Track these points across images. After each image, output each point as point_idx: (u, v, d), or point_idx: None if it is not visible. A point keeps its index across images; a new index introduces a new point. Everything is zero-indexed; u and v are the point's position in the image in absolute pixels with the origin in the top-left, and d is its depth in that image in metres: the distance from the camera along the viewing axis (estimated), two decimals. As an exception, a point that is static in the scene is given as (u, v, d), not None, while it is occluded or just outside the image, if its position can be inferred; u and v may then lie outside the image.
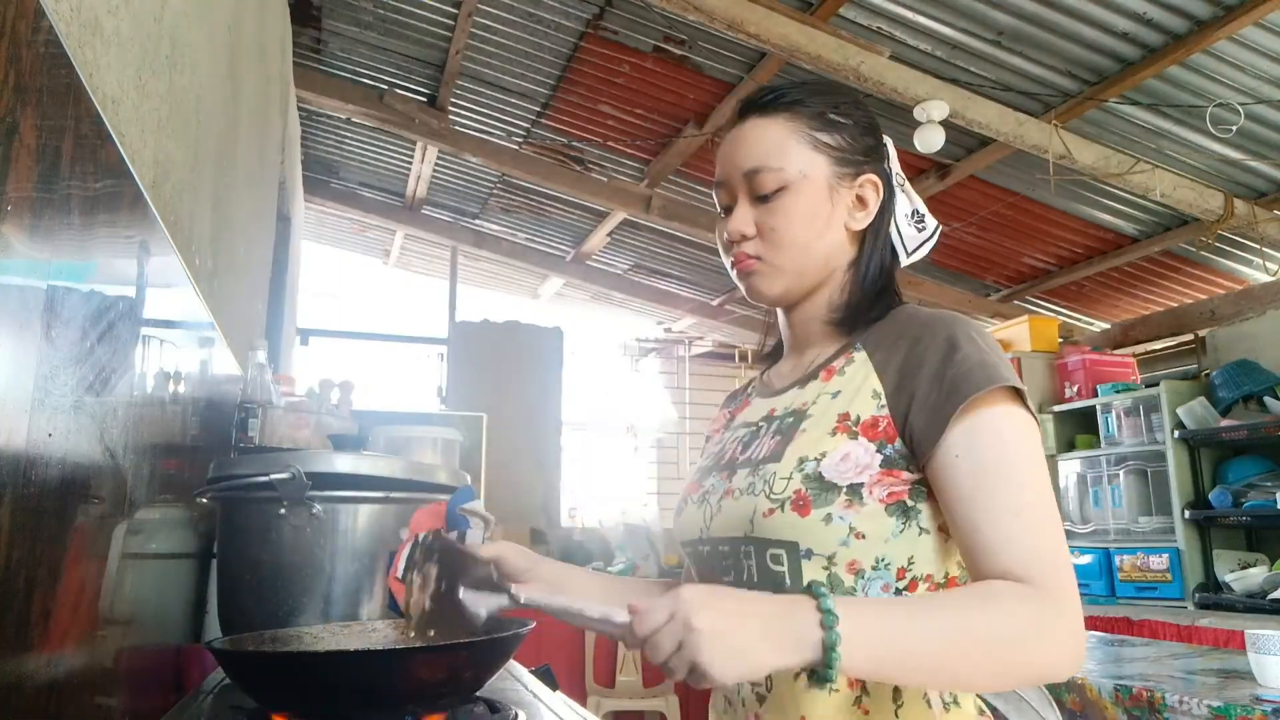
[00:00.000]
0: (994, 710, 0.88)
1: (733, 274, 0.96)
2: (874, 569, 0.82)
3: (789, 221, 0.90)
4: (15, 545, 0.60)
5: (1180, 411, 3.85)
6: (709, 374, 6.76)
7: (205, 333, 1.37)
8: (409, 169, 5.05)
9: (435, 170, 5.01)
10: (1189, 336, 4.65)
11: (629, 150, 4.48)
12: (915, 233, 0.98)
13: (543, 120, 4.34)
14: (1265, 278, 4.30)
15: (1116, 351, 4.80)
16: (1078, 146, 3.53)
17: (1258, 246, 4.11)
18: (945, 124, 3.32)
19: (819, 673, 0.68)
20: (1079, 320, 5.43)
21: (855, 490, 0.81)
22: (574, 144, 4.49)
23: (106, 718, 0.84)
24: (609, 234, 5.38)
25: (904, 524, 0.82)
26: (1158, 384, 3.99)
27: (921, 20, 3.16)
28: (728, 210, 0.95)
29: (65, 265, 0.69)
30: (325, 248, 6.35)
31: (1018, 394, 0.81)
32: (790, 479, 0.83)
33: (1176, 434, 3.82)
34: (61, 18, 0.67)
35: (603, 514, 5.56)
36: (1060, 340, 4.77)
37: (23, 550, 0.61)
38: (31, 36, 0.59)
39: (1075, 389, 4.36)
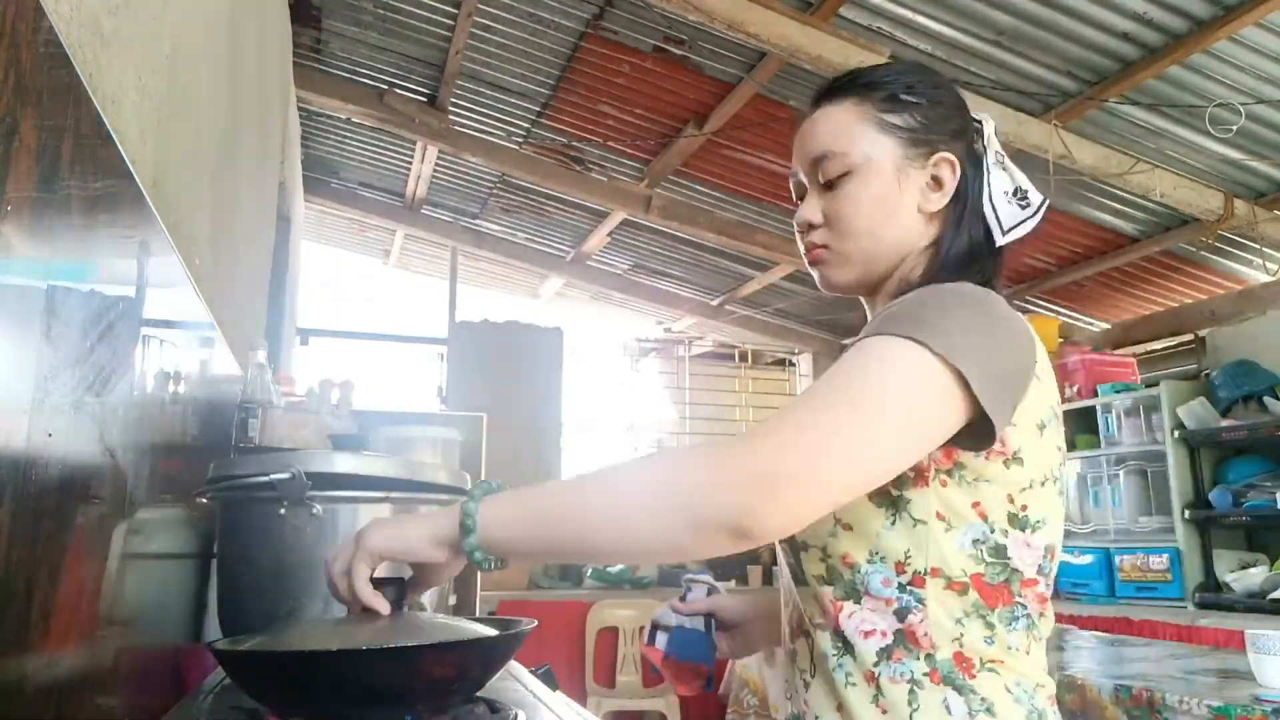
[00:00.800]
0: None
1: (806, 261, 0.95)
2: (869, 562, 0.80)
3: (855, 208, 0.88)
4: (15, 545, 0.60)
5: (1180, 411, 3.85)
6: (709, 374, 6.76)
7: (205, 333, 1.37)
8: (409, 169, 5.05)
9: (435, 170, 5.01)
10: (1189, 336, 4.65)
11: (629, 150, 4.48)
12: (1017, 210, 0.90)
13: (543, 120, 4.34)
14: (1265, 278, 4.30)
15: (1116, 351, 4.80)
16: (1078, 146, 3.53)
17: (1258, 246, 4.11)
18: (945, 124, 3.31)
19: (463, 550, 0.77)
20: (1079, 320, 5.43)
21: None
22: (574, 144, 4.49)
23: (106, 718, 0.84)
24: (609, 234, 5.38)
25: (894, 515, 0.79)
26: (1158, 384, 3.99)
27: (921, 20, 3.16)
28: (800, 199, 0.94)
29: (65, 265, 0.69)
30: (325, 248, 6.35)
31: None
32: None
33: (1176, 434, 3.82)
34: (61, 18, 0.67)
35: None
36: (1060, 340, 4.77)
37: (23, 550, 0.61)
38: (31, 36, 0.59)
39: (1075, 389, 4.35)
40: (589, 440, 6.30)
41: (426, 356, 5.69)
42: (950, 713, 0.76)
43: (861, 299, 0.97)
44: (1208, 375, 4.02)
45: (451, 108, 4.31)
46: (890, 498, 0.80)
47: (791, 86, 3.69)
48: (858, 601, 0.80)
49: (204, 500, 1.27)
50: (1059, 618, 4.23)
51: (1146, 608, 3.71)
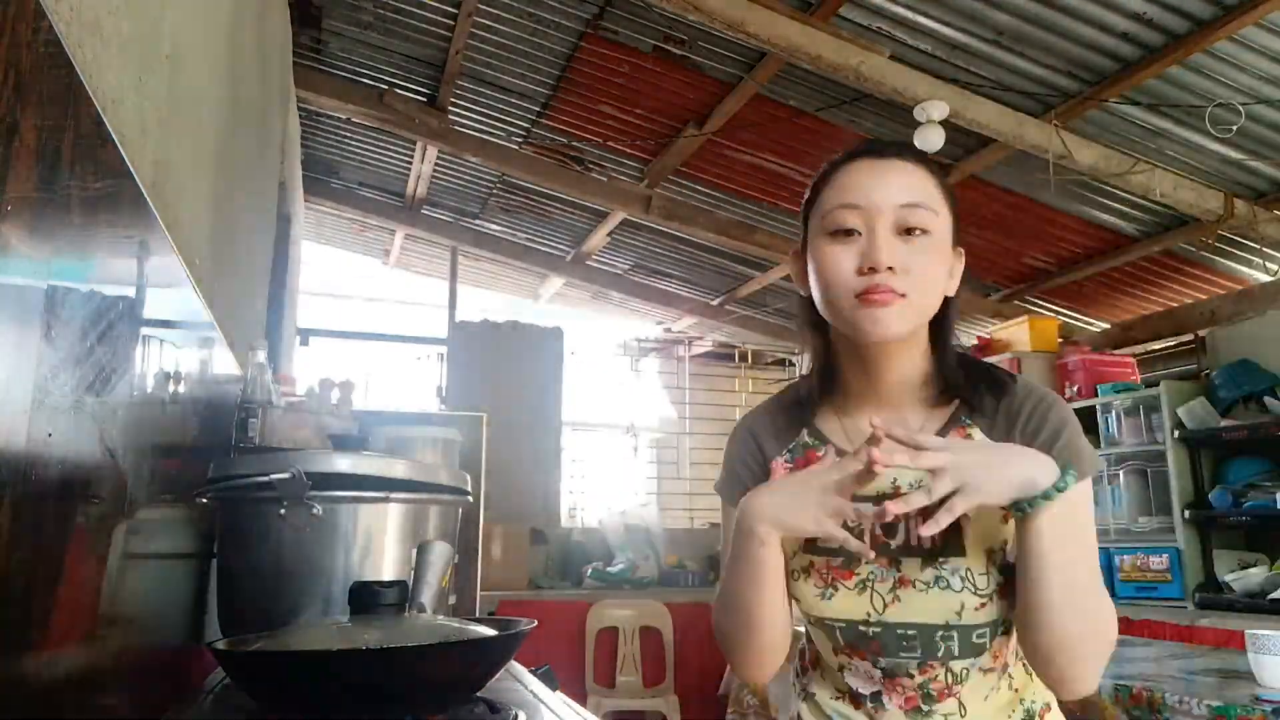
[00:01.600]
0: None
1: (850, 303, 0.94)
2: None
3: (932, 264, 0.95)
4: (15, 545, 0.60)
5: (1180, 411, 3.85)
6: (709, 374, 6.76)
7: (205, 333, 1.37)
8: (409, 169, 5.05)
9: (435, 170, 5.00)
10: (1189, 336, 4.65)
11: (629, 150, 4.48)
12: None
13: (543, 120, 4.34)
14: (1265, 278, 4.30)
15: (1116, 351, 4.80)
16: (1078, 146, 3.53)
17: (1258, 246, 4.11)
18: (945, 124, 3.32)
19: (1024, 504, 0.86)
20: (1079, 320, 5.43)
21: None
22: (574, 144, 4.49)
23: (106, 718, 0.84)
24: (609, 234, 5.38)
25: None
26: (1158, 384, 3.99)
27: (921, 20, 3.16)
28: (848, 235, 0.95)
29: (65, 265, 0.69)
30: (325, 248, 6.34)
31: None
32: (988, 575, 0.94)
33: (1176, 434, 3.82)
34: (61, 18, 0.67)
35: (603, 514, 5.55)
36: (1060, 340, 4.77)
37: (23, 550, 0.61)
38: (31, 36, 0.59)
39: (1075, 389, 4.35)
40: (589, 440, 6.31)
41: (426, 356, 5.69)
42: (1027, 669, 1.02)
43: (848, 352, 1.02)
44: (1208, 375, 4.02)
45: (451, 108, 4.31)
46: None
47: (791, 86, 3.69)
48: (1010, 633, 1.01)
49: (204, 500, 1.27)
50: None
51: (1146, 608, 3.71)
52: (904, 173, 0.97)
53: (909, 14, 3.13)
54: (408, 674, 0.84)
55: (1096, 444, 4.20)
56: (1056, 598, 0.88)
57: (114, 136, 0.78)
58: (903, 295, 0.92)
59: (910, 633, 0.96)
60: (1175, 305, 4.85)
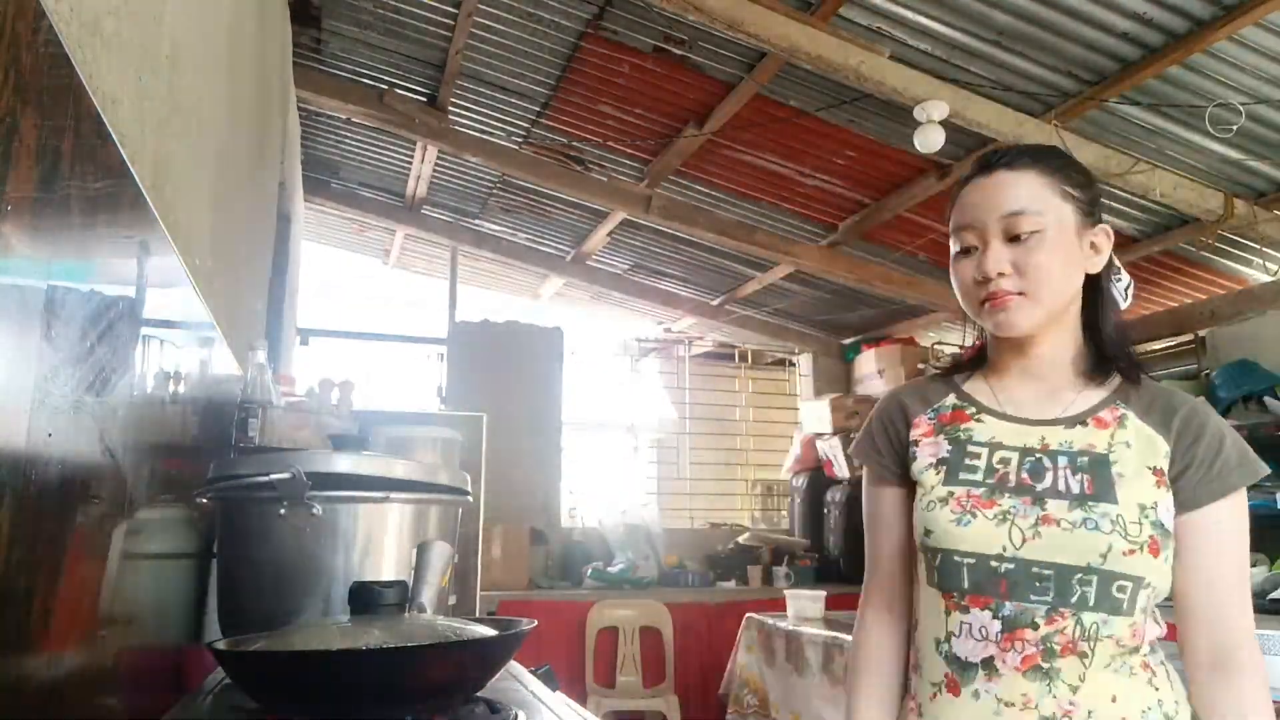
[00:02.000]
0: None
1: (979, 310, 1.08)
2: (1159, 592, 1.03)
3: (1049, 258, 1.04)
4: (15, 545, 0.60)
5: (1180, 411, 3.84)
6: (709, 374, 6.76)
7: (205, 333, 1.37)
8: (409, 169, 5.05)
9: (435, 170, 5.00)
10: (1189, 336, 4.65)
11: (629, 150, 4.48)
12: (1116, 282, 1.15)
13: (543, 120, 4.34)
14: (1265, 278, 4.30)
15: (1116, 351, 4.79)
16: (1078, 146, 3.53)
17: (1258, 246, 4.11)
18: (945, 124, 3.31)
19: None
20: (1079, 320, 5.42)
21: (1169, 534, 1.01)
22: (574, 144, 4.49)
23: (106, 718, 0.84)
24: (609, 234, 5.38)
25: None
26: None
27: (921, 20, 3.16)
28: (967, 253, 1.08)
29: (65, 265, 0.69)
30: (325, 248, 6.34)
31: None
32: (1140, 524, 0.99)
33: (1176, 434, 3.81)
34: (61, 18, 0.67)
35: (603, 514, 5.55)
36: (1060, 340, 4.77)
37: (23, 550, 0.61)
38: (31, 36, 0.59)
39: (1075, 389, 4.35)
40: (589, 440, 6.30)
41: (426, 356, 5.69)
42: (1178, 677, 1.05)
43: (999, 339, 1.12)
44: (1208, 375, 4.02)
45: (451, 108, 4.31)
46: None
47: (791, 86, 3.69)
48: (1143, 622, 1.03)
49: (204, 500, 1.27)
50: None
51: (1146, 608, 3.71)
52: (1007, 184, 1.06)
53: (909, 14, 3.13)
54: (408, 674, 0.84)
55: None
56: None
57: (114, 136, 0.78)
58: (1020, 294, 1.04)
59: (1046, 572, 0.99)
60: (1175, 305, 4.84)
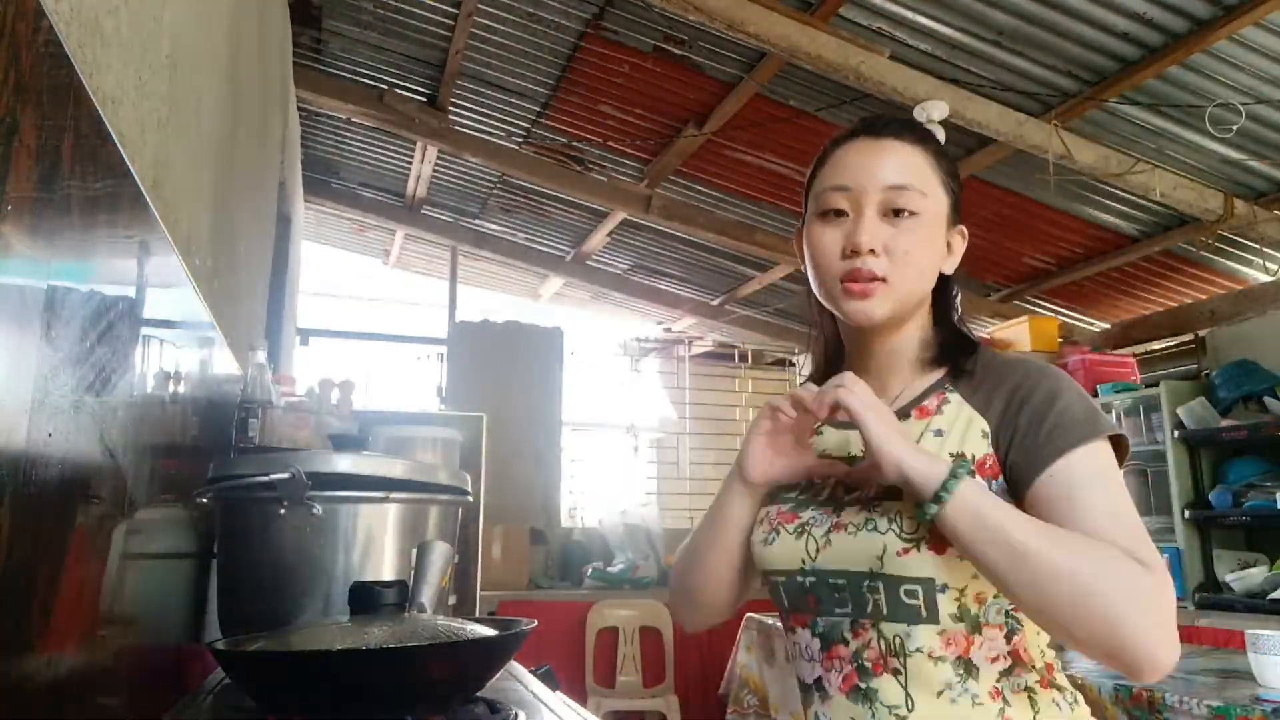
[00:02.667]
0: None
1: (834, 285, 0.96)
2: (994, 598, 0.88)
3: (921, 247, 0.94)
4: (15, 545, 0.60)
5: (1180, 411, 3.85)
6: (709, 374, 6.76)
7: (205, 333, 1.37)
8: (409, 169, 5.05)
9: (435, 170, 5.00)
10: (1189, 336, 4.65)
11: (629, 150, 4.48)
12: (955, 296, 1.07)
13: (543, 120, 4.34)
14: (1265, 278, 4.30)
15: (1116, 351, 4.80)
16: (1078, 146, 3.53)
17: (1258, 246, 4.11)
18: (945, 124, 3.29)
19: (924, 504, 0.82)
20: (1079, 320, 5.43)
21: None
22: (574, 144, 4.49)
23: (106, 718, 0.84)
24: (609, 234, 5.38)
25: None
26: (1158, 384, 3.99)
27: (921, 20, 3.16)
28: (834, 216, 0.96)
29: (65, 265, 0.69)
30: (325, 248, 6.34)
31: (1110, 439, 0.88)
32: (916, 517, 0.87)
33: (1176, 434, 3.82)
34: (61, 18, 0.67)
35: (603, 514, 5.55)
36: (1060, 340, 4.77)
37: (23, 550, 0.61)
38: (31, 36, 0.59)
39: (1075, 389, 4.35)
40: (589, 440, 6.30)
41: (426, 356, 5.69)
42: (1060, 708, 0.89)
43: (846, 335, 1.04)
44: (1208, 375, 4.02)
45: (451, 108, 4.31)
46: None
47: (791, 86, 3.69)
48: (980, 632, 0.88)
49: (204, 500, 1.27)
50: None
51: (1146, 608, 3.71)
52: (897, 153, 0.95)
53: (909, 14, 3.13)
54: (408, 674, 0.84)
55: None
56: (1011, 579, 0.80)
57: (114, 136, 0.78)
58: (884, 279, 0.92)
59: (840, 582, 0.91)
60: (1175, 305, 4.84)
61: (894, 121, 0.98)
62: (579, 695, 4.55)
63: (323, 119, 4.63)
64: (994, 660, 0.88)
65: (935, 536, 0.86)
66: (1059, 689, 0.91)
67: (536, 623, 1.02)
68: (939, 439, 0.91)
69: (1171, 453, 3.83)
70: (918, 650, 0.87)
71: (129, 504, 0.91)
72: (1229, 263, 4.49)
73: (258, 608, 1.21)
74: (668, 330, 6.76)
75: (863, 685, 0.90)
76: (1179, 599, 3.67)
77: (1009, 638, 0.89)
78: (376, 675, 0.82)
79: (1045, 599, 0.78)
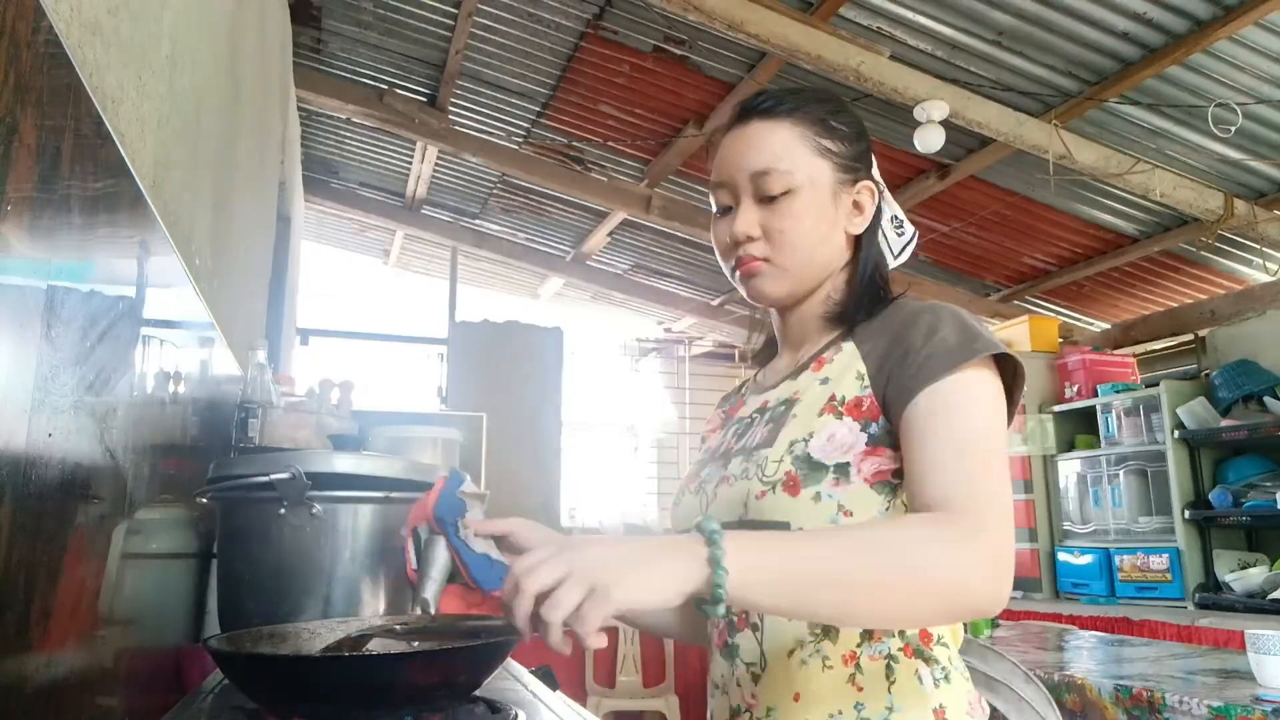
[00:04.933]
0: (993, 709, 0.91)
1: (732, 276, 0.97)
2: None
3: (796, 224, 0.92)
4: (15, 545, 0.60)
5: (1180, 411, 3.84)
6: (709, 374, 6.75)
7: (205, 333, 1.37)
8: (409, 169, 5.05)
9: (435, 170, 5.01)
10: (1189, 336, 4.65)
11: (629, 150, 4.48)
12: (896, 237, 1.02)
13: (543, 120, 4.34)
14: (1265, 278, 4.30)
15: (1116, 351, 4.80)
16: (1078, 146, 3.53)
17: (1258, 246, 4.11)
18: (945, 124, 3.31)
19: (706, 601, 0.68)
20: (1079, 320, 5.43)
21: (842, 469, 0.84)
22: (574, 144, 4.49)
23: (106, 718, 0.84)
24: (609, 234, 5.38)
25: (889, 501, 0.84)
26: (1158, 384, 3.98)
27: (921, 20, 3.16)
28: (726, 211, 0.97)
29: (65, 265, 0.69)
30: (325, 248, 6.34)
31: (995, 362, 0.85)
32: (781, 462, 0.86)
33: (1176, 434, 3.82)
34: (61, 18, 0.67)
35: (603, 514, 5.55)
36: (1060, 340, 4.77)
37: (23, 550, 0.61)
38: (31, 36, 0.59)
39: (1075, 389, 4.35)
40: (589, 440, 6.30)
41: (426, 356, 5.69)
42: (921, 681, 0.84)
43: (773, 311, 1.03)
44: (1208, 375, 4.02)
45: (451, 108, 4.31)
46: (890, 485, 0.85)
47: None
48: None
49: (204, 500, 1.27)
50: (1060, 618, 4.17)
51: (1146, 608, 3.71)
52: (759, 137, 0.94)
53: (909, 14, 3.13)
54: (406, 675, 0.84)
55: (1096, 444, 4.20)
56: (827, 612, 0.73)
57: (114, 136, 0.78)
58: (766, 260, 0.93)
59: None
60: (1175, 305, 4.84)
61: (763, 98, 0.96)
62: (579, 695, 4.55)
63: (323, 119, 4.63)
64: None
65: (790, 478, 0.84)
66: (927, 660, 0.84)
67: (536, 623, 1.02)
68: (824, 386, 0.90)
69: (1171, 453, 3.83)
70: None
71: (129, 504, 0.91)
72: (1229, 263, 4.49)
73: (257, 608, 1.21)
74: (668, 330, 6.76)
75: (730, 640, 0.90)
76: (1178, 599, 3.68)
77: None
78: (375, 676, 0.82)
79: (869, 610, 0.72)
